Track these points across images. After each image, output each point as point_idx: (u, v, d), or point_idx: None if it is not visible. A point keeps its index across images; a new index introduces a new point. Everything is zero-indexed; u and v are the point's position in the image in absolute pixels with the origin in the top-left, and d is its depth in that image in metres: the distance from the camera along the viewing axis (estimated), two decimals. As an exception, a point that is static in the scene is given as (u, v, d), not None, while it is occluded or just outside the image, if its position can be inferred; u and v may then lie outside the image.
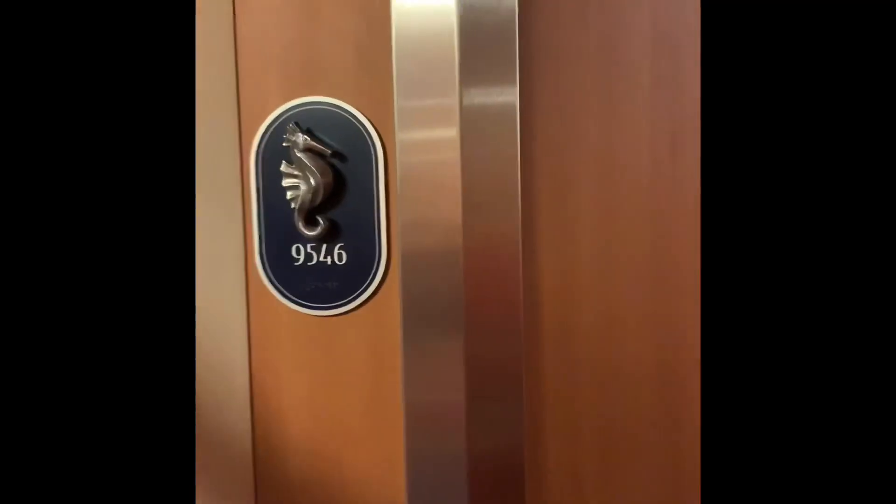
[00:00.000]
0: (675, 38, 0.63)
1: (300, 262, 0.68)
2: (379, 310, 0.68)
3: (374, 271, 0.67)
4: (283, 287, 0.69)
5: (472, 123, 0.60)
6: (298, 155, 0.66)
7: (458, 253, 0.61)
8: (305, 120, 0.66)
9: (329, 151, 0.66)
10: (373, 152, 0.66)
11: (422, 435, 0.64)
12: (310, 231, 0.66)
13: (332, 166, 0.66)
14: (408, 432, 0.64)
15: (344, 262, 0.67)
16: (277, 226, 0.68)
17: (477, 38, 0.60)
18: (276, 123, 0.67)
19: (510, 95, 0.61)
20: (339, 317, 0.68)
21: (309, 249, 0.68)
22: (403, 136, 0.61)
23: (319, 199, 0.66)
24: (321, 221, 0.66)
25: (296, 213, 0.66)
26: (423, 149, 0.61)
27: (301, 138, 0.65)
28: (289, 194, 0.66)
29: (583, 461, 0.67)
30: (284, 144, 0.66)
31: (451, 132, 0.60)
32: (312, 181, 0.65)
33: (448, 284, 0.62)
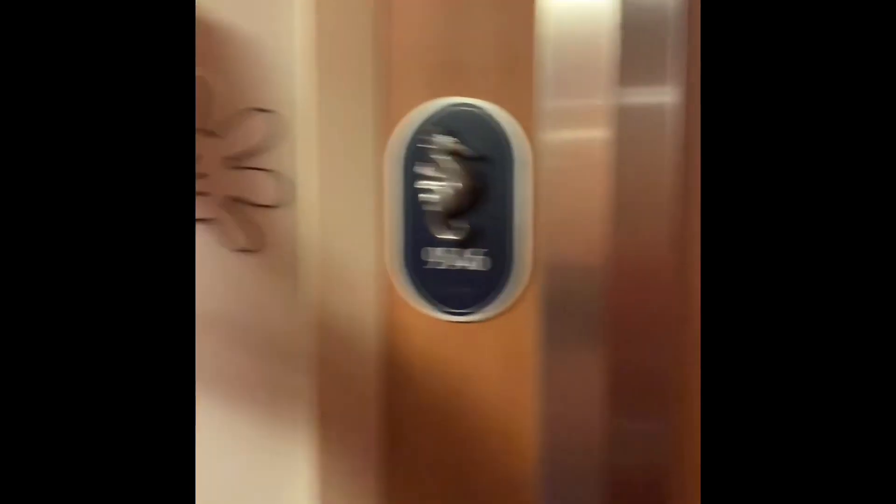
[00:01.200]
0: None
1: (439, 265, 0.66)
2: (515, 319, 0.65)
3: (511, 280, 0.64)
4: (417, 290, 0.67)
5: (626, 124, 0.58)
6: (440, 157, 0.64)
7: (602, 268, 0.59)
8: (448, 122, 0.65)
9: (473, 154, 0.64)
10: (515, 156, 0.63)
11: (558, 450, 0.62)
12: (448, 235, 0.64)
13: (474, 170, 0.64)
14: (544, 447, 0.62)
15: (481, 267, 0.65)
16: (414, 228, 0.66)
17: (637, 36, 0.57)
18: (418, 125, 0.65)
19: (671, 95, 0.58)
20: (474, 324, 0.66)
21: (445, 253, 0.66)
22: (547, 137, 0.59)
23: (460, 203, 0.64)
24: (460, 225, 0.64)
25: (435, 216, 0.65)
26: (570, 151, 0.59)
27: (444, 141, 0.64)
28: (429, 197, 0.65)
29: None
30: (426, 147, 0.65)
31: (601, 133, 0.58)
32: (454, 184, 0.63)
33: (590, 299, 0.60)
